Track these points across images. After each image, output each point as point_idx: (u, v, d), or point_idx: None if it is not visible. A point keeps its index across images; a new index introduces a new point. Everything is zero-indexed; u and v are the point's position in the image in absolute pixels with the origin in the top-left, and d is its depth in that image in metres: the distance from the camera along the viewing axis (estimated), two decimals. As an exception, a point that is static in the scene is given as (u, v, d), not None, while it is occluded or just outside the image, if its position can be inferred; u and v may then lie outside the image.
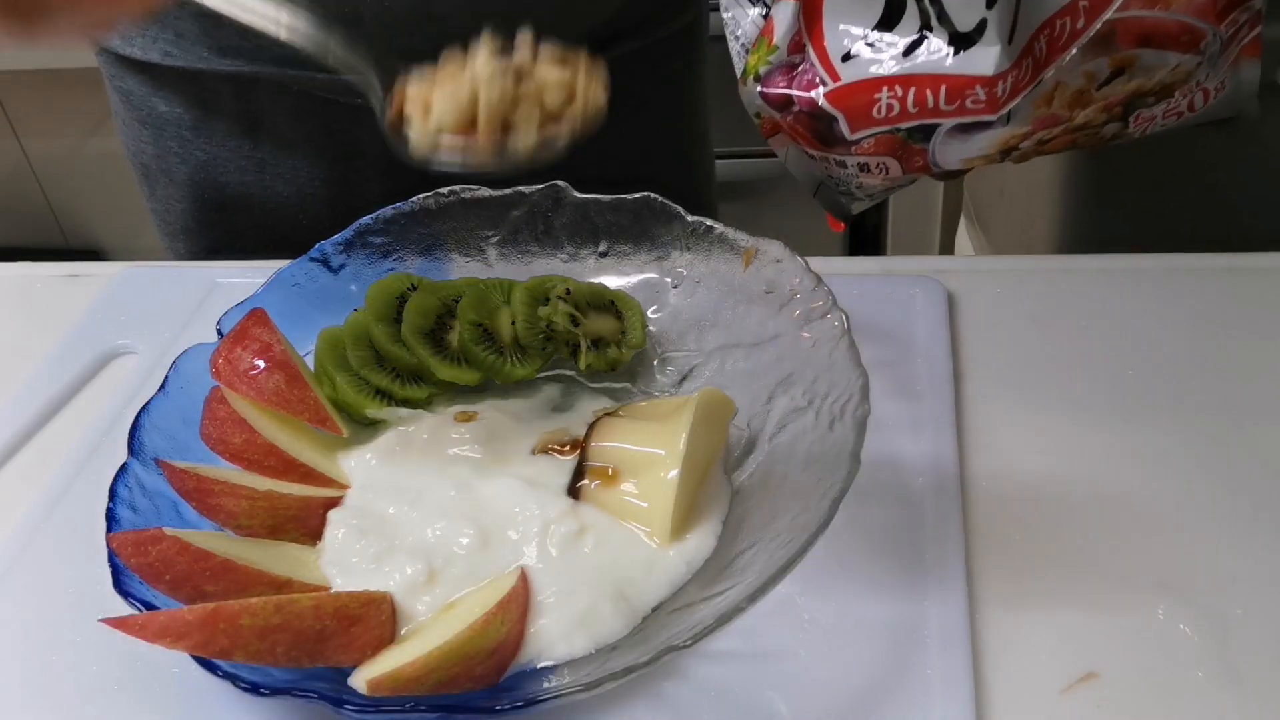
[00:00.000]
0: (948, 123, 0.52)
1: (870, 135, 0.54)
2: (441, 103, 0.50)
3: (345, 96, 0.70)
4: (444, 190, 0.61)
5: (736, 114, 0.60)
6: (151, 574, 0.44)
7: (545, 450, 0.54)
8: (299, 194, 0.76)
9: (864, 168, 0.56)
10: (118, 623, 0.40)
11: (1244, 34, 0.51)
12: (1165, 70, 0.50)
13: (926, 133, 0.53)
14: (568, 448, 0.54)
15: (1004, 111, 0.51)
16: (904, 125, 0.53)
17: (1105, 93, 0.51)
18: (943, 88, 0.51)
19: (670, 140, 0.84)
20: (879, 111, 0.53)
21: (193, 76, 0.72)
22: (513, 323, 0.59)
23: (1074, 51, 0.49)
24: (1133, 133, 0.54)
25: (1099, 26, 0.49)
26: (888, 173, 0.56)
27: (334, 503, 0.52)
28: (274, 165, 0.75)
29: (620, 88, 0.77)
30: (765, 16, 0.56)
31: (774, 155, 0.61)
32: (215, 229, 0.80)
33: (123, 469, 0.48)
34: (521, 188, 0.61)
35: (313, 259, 0.60)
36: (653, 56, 0.77)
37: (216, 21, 0.68)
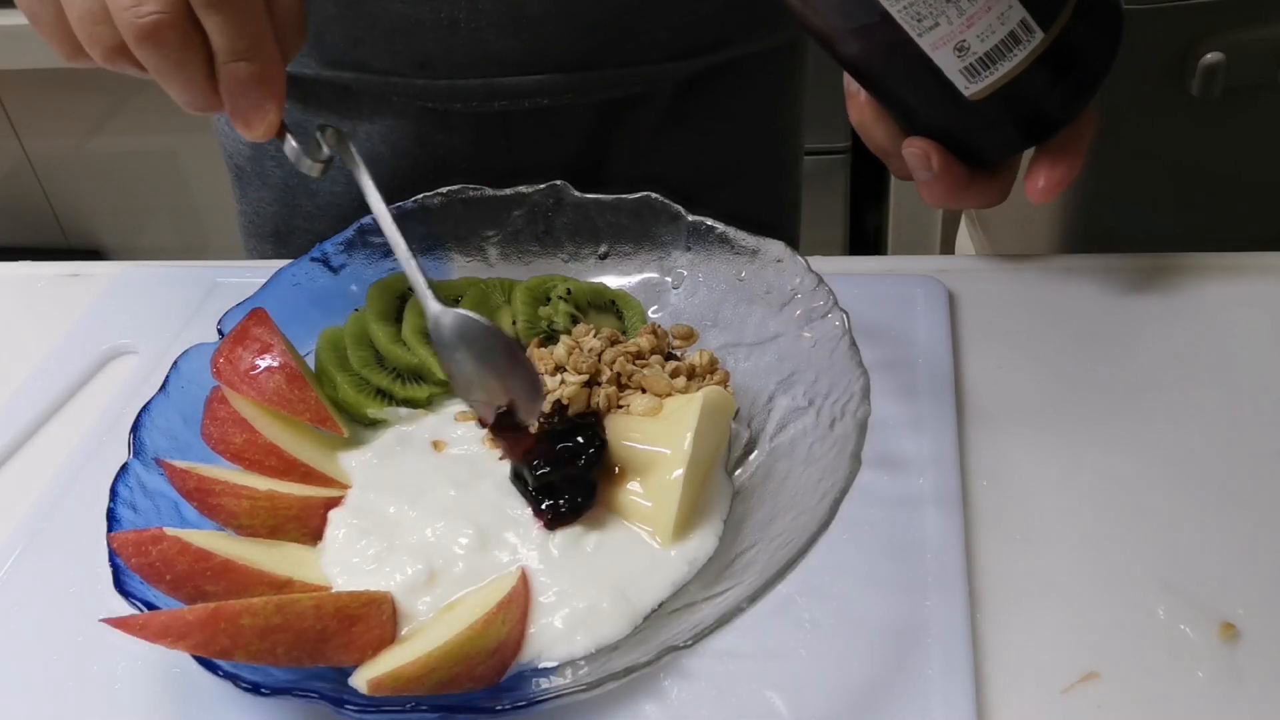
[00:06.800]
0: None
1: None
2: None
3: (437, 102, 0.70)
4: (445, 190, 0.61)
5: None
6: (152, 574, 0.44)
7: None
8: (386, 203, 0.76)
9: None
10: (118, 623, 0.40)
11: None
12: None
13: None
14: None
15: None
16: None
17: None
18: None
19: (754, 161, 0.81)
20: None
21: (296, 81, 0.72)
22: (513, 322, 0.59)
23: None
24: None
25: None
26: None
27: (334, 503, 0.52)
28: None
29: (709, 99, 0.75)
30: None
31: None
32: (302, 235, 0.80)
33: (123, 469, 0.48)
34: (522, 187, 0.61)
35: (313, 259, 0.60)
36: (746, 71, 0.76)
37: (320, 36, 0.68)
